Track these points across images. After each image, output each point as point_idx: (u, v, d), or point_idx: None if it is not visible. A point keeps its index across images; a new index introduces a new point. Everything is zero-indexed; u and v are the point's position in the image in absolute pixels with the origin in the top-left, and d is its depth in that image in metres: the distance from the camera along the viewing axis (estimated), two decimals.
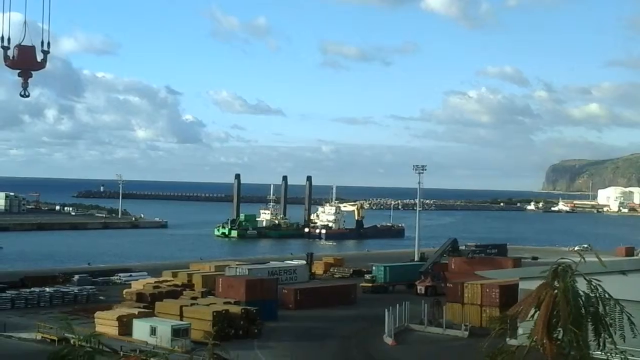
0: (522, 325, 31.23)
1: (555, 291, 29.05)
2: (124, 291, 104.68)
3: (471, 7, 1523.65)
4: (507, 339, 33.63)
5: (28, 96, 41.15)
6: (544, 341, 29.08)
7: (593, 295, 29.54)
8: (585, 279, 29.96)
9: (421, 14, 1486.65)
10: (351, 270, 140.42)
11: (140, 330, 79.01)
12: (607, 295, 29.81)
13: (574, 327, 28.43)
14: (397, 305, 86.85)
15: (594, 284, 29.83)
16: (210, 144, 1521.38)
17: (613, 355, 33.19)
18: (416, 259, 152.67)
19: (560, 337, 29.03)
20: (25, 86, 40.72)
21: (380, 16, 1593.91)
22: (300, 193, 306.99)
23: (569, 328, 28.49)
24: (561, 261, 30.58)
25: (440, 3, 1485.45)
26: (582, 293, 29.39)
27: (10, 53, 39.92)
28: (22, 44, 40.15)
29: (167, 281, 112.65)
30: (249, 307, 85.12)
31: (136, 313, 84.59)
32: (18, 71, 40.42)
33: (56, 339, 76.43)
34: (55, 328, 77.19)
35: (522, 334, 30.82)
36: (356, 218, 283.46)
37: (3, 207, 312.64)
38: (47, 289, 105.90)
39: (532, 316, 29.83)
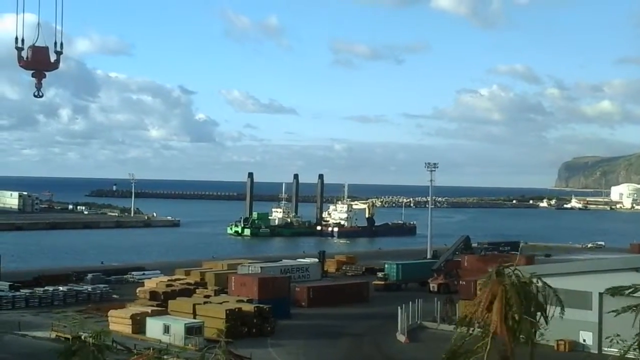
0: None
1: (504, 286, 32.62)
2: (137, 289, 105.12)
3: (481, 6, 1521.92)
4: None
5: (42, 96, 41.42)
6: (503, 332, 32.16)
7: (535, 287, 34.07)
8: (515, 275, 34.08)
9: (431, 13, 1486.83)
10: (363, 268, 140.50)
11: (154, 328, 79.30)
12: (546, 287, 34.88)
13: (526, 315, 32.28)
14: (410, 302, 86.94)
15: (535, 279, 34.53)
16: (223, 143, 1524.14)
17: (628, 351, 33.90)
18: (429, 256, 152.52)
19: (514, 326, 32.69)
20: (39, 86, 41.00)
21: (390, 15, 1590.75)
22: (312, 191, 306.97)
23: (522, 316, 32.25)
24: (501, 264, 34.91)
25: (450, 2, 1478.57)
26: (525, 285, 33.84)
27: (24, 54, 40.22)
28: (35, 44, 40.44)
29: (180, 279, 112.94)
30: (261, 305, 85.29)
31: (149, 311, 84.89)
32: (32, 72, 40.73)
33: (70, 337, 76.85)
34: (69, 326, 77.64)
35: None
36: (367, 216, 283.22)
37: (17, 207, 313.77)
38: (61, 288, 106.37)
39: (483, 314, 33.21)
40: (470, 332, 33.81)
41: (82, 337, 50.29)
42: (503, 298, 32.49)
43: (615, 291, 37.24)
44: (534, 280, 34.13)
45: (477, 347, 33.11)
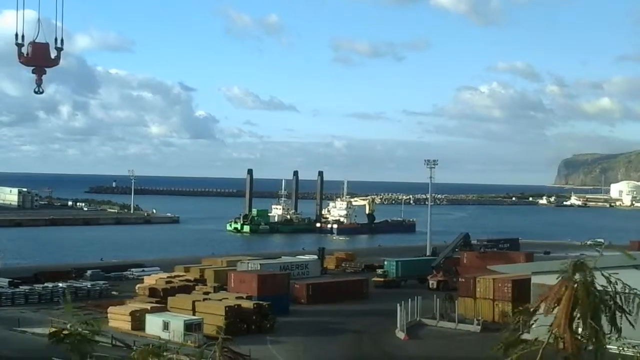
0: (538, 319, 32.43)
1: (576, 285, 30.04)
2: (137, 286, 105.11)
3: (481, 3, 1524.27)
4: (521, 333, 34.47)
5: (42, 92, 41.43)
6: (565, 334, 29.97)
7: (611, 289, 30.03)
8: (603, 274, 30.72)
9: (431, 10, 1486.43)
10: (363, 265, 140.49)
11: (153, 325, 79.35)
12: (626, 289, 30.31)
13: (593, 322, 29.45)
14: (409, 299, 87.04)
15: (614, 279, 30.23)
16: (223, 139, 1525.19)
17: (626, 349, 33.48)
18: (428, 253, 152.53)
19: (579, 331, 30.11)
20: (39, 83, 41.00)
21: (390, 12, 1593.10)
22: (312, 188, 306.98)
23: (589, 322, 29.48)
24: (580, 256, 31.59)
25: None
26: (600, 287, 30.39)
27: (24, 50, 40.20)
28: (36, 41, 40.43)
29: (179, 276, 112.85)
30: (261, 302, 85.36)
31: (149, 308, 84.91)
32: (32, 68, 40.71)
33: (67, 328, 76.90)
34: (68, 323, 77.61)
35: (536, 328, 31.66)
36: (367, 212, 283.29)
37: (16, 203, 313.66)
38: (60, 284, 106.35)
39: (552, 310, 30.87)
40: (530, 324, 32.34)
41: (69, 325, 50.53)
42: (571, 297, 30.43)
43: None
44: (613, 280, 30.63)
45: (535, 339, 31.79)
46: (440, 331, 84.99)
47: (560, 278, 31.73)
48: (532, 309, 32.37)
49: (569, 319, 30.16)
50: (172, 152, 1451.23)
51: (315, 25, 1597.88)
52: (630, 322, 30.39)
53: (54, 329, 54.21)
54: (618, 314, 30.28)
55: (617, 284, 30.51)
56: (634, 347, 34.28)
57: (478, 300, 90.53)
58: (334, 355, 74.40)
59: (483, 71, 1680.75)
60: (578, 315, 29.98)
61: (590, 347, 30.06)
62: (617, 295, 30.33)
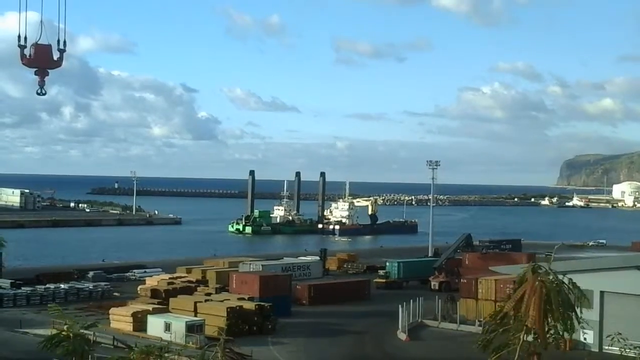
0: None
1: (544, 283, 33.38)
2: (139, 287, 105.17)
3: (483, 3, 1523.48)
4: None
5: (44, 94, 41.45)
6: (539, 329, 32.58)
7: (568, 286, 35.05)
8: (554, 274, 35.60)
9: (433, 11, 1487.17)
10: (365, 266, 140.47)
11: (155, 326, 79.33)
12: (577, 286, 35.68)
13: (563, 315, 33.03)
14: (411, 301, 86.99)
15: (569, 278, 35.33)
16: (225, 140, 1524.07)
17: (628, 350, 34.05)
18: (430, 254, 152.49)
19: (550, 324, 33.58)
20: (41, 84, 41.02)
21: (392, 13, 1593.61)
22: (314, 189, 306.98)
23: (561, 315, 32.98)
24: (535, 260, 37.25)
25: (451, 0, 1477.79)
26: (565, 285, 35.11)
27: (27, 52, 40.26)
28: (38, 42, 40.48)
29: (181, 277, 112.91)
30: (262, 303, 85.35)
31: (150, 309, 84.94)
32: (35, 70, 40.77)
33: (71, 335, 76.95)
34: (69, 324, 77.73)
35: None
36: (370, 212, 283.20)
37: (18, 204, 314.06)
38: (62, 286, 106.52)
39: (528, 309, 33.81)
40: (502, 325, 34.15)
41: (66, 328, 50.78)
42: (542, 295, 32.72)
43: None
44: (565, 280, 35.08)
45: (510, 340, 33.45)
46: (442, 332, 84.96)
47: (525, 280, 34.98)
48: (507, 310, 34.63)
49: (542, 315, 32.83)
50: (174, 153, 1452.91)
51: (316, 26, 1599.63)
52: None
53: (53, 332, 54.73)
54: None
55: (571, 282, 35.65)
56: (635, 348, 34.52)
57: (480, 302, 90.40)
58: (336, 356, 74.39)
59: (485, 72, 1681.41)
60: (552, 310, 33.88)
61: (565, 337, 35.77)
62: (572, 293, 35.06)
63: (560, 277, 35.06)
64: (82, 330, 50.93)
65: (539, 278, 33.81)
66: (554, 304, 33.24)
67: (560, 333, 34.30)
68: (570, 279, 35.12)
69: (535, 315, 32.90)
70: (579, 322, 35.76)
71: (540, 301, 33.05)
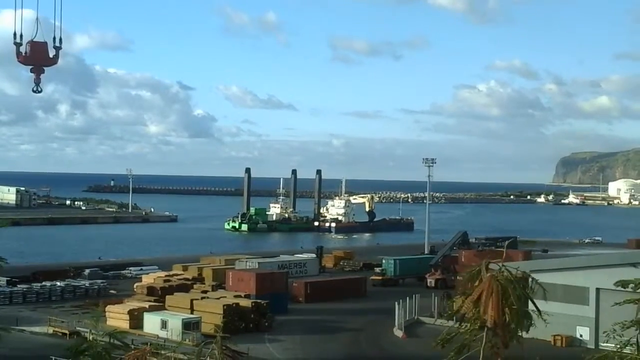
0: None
1: (499, 281, 33.95)
2: (135, 285, 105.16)
3: (479, 2, 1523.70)
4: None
5: (40, 92, 41.41)
6: (498, 322, 32.92)
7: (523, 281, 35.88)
8: (507, 269, 36.68)
9: (429, 9, 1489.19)
10: (361, 263, 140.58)
11: (151, 323, 79.38)
12: (532, 279, 36.84)
13: (519, 308, 33.61)
14: (407, 298, 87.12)
15: (522, 271, 36.61)
16: (221, 138, 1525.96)
17: (624, 346, 34.03)
18: (426, 251, 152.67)
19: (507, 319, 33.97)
20: (37, 82, 40.98)
21: (388, 11, 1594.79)
22: (310, 187, 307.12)
23: (518, 309, 33.56)
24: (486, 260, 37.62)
25: None
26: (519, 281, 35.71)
27: (22, 49, 40.21)
28: (34, 40, 40.44)
29: (177, 275, 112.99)
30: (259, 301, 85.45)
31: (147, 307, 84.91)
32: (30, 67, 40.72)
33: (67, 332, 77.02)
34: (66, 322, 77.81)
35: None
36: (367, 209, 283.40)
37: (14, 202, 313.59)
38: (59, 283, 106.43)
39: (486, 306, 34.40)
40: (463, 326, 34.59)
41: (87, 336, 50.50)
42: (498, 292, 33.13)
43: (625, 283, 39.08)
44: (521, 274, 35.93)
45: (472, 340, 33.77)
46: (438, 329, 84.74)
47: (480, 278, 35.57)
48: (466, 311, 35.34)
49: (500, 314, 33.32)
50: (171, 151, 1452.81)
51: (313, 23, 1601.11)
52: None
53: (50, 330, 54.65)
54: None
55: (526, 274, 37.06)
56: (631, 345, 34.51)
57: None
58: (332, 353, 74.45)
59: (481, 70, 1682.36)
60: (509, 307, 34.08)
61: (522, 331, 35.16)
62: (527, 287, 36.17)
63: (514, 271, 35.91)
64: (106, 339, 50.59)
65: (494, 276, 34.34)
66: (509, 301, 34.00)
67: (519, 331, 34.98)
68: (525, 272, 36.73)
69: (494, 314, 33.30)
70: (539, 316, 36.26)
71: (498, 300, 33.47)
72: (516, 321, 33.98)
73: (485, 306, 33.72)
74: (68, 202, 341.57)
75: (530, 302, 35.73)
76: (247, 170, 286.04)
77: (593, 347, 72.41)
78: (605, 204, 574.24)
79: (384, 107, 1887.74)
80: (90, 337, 50.97)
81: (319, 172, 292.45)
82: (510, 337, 34.58)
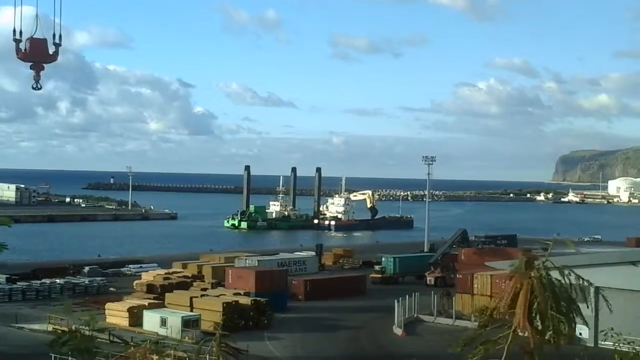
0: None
1: (531, 280, 30.95)
2: (134, 282, 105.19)
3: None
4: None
5: (40, 89, 41.41)
6: (526, 329, 30.66)
7: (566, 282, 31.96)
8: (556, 267, 32.58)
9: (429, 6, 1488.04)
10: (361, 261, 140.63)
11: (151, 321, 79.39)
12: (580, 281, 32.54)
13: (555, 313, 30.37)
14: (407, 296, 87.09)
15: (566, 272, 32.16)
16: (221, 135, 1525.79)
17: (621, 344, 33.86)
18: (425, 249, 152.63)
19: (540, 323, 31.09)
20: (37, 79, 40.98)
21: (388, 8, 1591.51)
22: (310, 184, 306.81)
23: (549, 314, 30.41)
24: (530, 254, 33.86)
25: None
26: (555, 281, 31.51)
27: (22, 46, 40.21)
28: (34, 37, 40.43)
29: (177, 272, 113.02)
30: (258, 299, 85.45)
31: (146, 304, 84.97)
32: (30, 64, 40.71)
33: (67, 330, 76.92)
34: (66, 319, 77.70)
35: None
36: (369, 205, 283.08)
37: (13, 199, 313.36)
38: (58, 281, 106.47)
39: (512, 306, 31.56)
40: (490, 324, 32.57)
41: (73, 327, 50.64)
42: (528, 292, 31.12)
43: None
44: (566, 272, 32.28)
45: (498, 337, 32.07)
46: (437, 328, 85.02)
47: (515, 275, 32.44)
48: (492, 308, 32.77)
49: (528, 314, 30.82)
50: (170, 148, 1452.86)
51: (313, 21, 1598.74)
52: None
53: (52, 334, 54.74)
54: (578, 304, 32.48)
55: (570, 276, 32.27)
56: (628, 343, 34.50)
57: (475, 297, 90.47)
58: (332, 351, 74.50)
59: (481, 67, 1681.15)
60: (538, 309, 31.07)
61: (552, 339, 31.29)
62: (572, 287, 32.07)
63: (557, 272, 32.58)
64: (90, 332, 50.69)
65: (529, 273, 31.98)
66: (542, 303, 31.13)
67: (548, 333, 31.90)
68: (571, 271, 32.49)
69: (519, 313, 31.16)
70: (575, 322, 33.08)
71: (525, 299, 31.22)
72: (548, 324, 31.43)
73: (504, 304, 31.78)
74: (68, 199, 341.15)
75: (568, 304, 32.48)
76: (247, 168, 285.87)
77: (592, 345, 72.42)
78: (605, 202, 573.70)
79: (384, 104, 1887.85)
80: (73, 328, 50.89)
81: (318, 169, 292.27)
82: (550, 339, 31.92)
